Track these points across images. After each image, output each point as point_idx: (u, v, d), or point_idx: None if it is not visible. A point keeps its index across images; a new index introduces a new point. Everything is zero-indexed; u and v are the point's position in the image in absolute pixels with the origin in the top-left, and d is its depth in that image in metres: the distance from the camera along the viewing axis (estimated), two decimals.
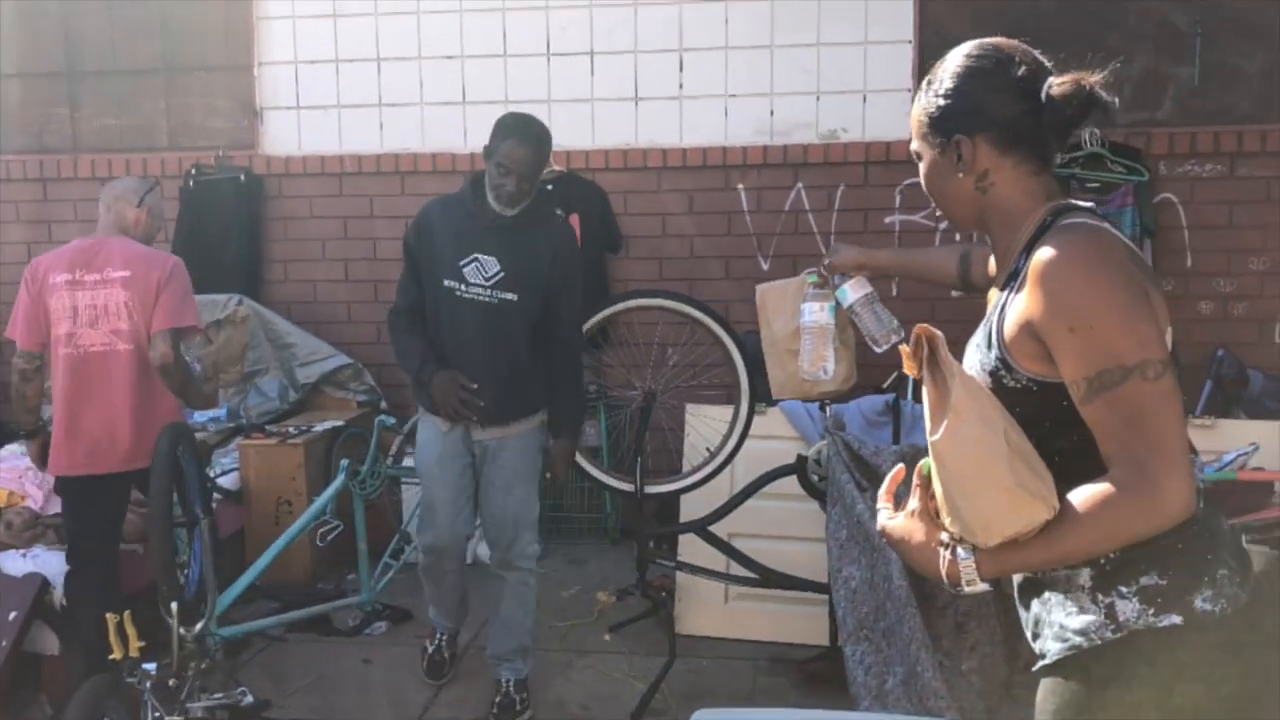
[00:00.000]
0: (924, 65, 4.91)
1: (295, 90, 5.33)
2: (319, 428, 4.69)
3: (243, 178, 5.29)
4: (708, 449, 3.70)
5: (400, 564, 4.14)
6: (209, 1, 5.39)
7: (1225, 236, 4.84)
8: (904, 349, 1.45)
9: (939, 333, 1.41)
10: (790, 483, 3.52)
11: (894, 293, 4.88)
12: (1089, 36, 4.80)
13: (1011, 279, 1.49)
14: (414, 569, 4.66)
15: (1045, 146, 1.51)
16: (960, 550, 1.38)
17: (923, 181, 1.62)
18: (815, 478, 3.40)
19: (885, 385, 3.93)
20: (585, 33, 5.11)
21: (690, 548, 3.87)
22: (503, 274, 3.24)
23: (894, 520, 1.50)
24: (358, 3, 5.22)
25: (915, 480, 1.47)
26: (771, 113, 5.00)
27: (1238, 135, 4.77)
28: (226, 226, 5.31)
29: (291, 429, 4.67)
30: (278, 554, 3.67)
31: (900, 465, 1.58)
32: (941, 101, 1.52)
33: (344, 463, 3.80)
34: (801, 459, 3.42)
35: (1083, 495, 1.33)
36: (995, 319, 1.49)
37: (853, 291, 2.29)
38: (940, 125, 1.54)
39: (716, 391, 3.96)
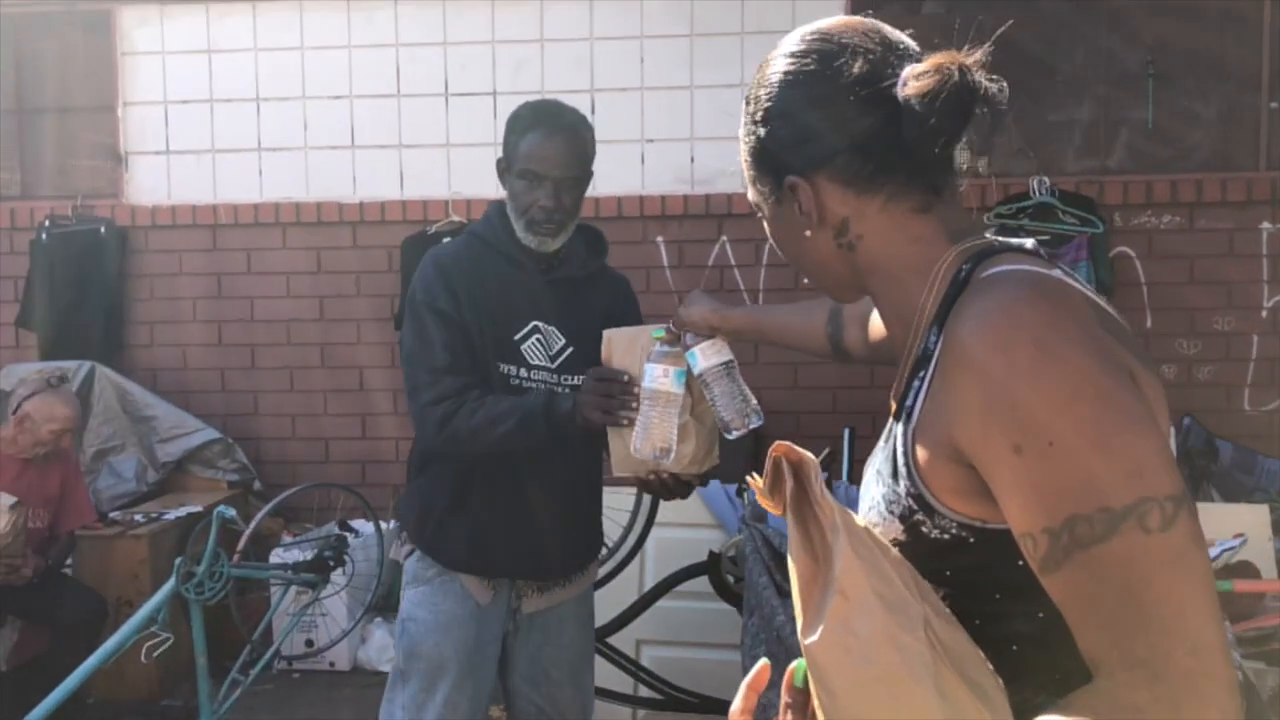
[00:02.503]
0: None
1: (164, 133, 4.77)
2: (170, 515, 4.06)
3: (103, 230, 4.70)
4: (605, 544, 3.14)
5: (251, 679, 3.50)
6: (67, 35, 4.84)
7: (1186, 294, 4.44)
8: (752, 480, 0.92)
9: (809, 455, 0.89)
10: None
11: (755, 356, 4.41)
12: (1030, 81, 4.41)
13: (919, 368, 0.96)
14: (277, 679, 4.04)
15: (927, 171, 1.00)
16: None
17: (774, 243, 1.13)
18: (730, 578, 2.86)
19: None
20: (487, 71, 4.63)
21: None
22: (571, 350, 2.18)
23: None
24: (235, 37, 4.69)
25: (784, 695, 0.91)
26: (692, 159, 4.55)
27: (1197, 184, 4.38)
28: (84, 284, 4.70)
29: (138, 516, 4.04)
30: (86, 676, 3.03)
31: (764, 662, 1.00)
32: (760, 130, 1.03)
33: (177, 562, 3.18)
34: (714, 556, 2.88)
35: None
36: (901, 433, 0.95)
37: (704, 357, 1.71)
38: (765, 163, 1.05)
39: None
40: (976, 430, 0.85)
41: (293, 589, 3.76)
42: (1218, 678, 0.75)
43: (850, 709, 0.81)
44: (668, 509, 3.17)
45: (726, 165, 4.82)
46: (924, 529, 0.92)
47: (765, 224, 1.12)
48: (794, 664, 0.90)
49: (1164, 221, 4.42)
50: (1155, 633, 0.76)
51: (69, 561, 3.94)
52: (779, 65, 1.03)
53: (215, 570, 3.28)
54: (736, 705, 0.99)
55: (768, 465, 0.90)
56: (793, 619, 2.78)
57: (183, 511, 4.11)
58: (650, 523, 3.01)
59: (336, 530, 4.03)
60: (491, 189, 4.60)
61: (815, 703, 0.84)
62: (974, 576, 0.90)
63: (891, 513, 0.95)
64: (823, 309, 1.53)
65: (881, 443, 1.01)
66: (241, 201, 4.71)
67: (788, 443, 0.90)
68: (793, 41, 1.03)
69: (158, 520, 4.00)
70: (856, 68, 0.97)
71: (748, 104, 1.07)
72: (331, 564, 3.60)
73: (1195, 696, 0.75)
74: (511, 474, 2.16)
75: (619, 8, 4.57)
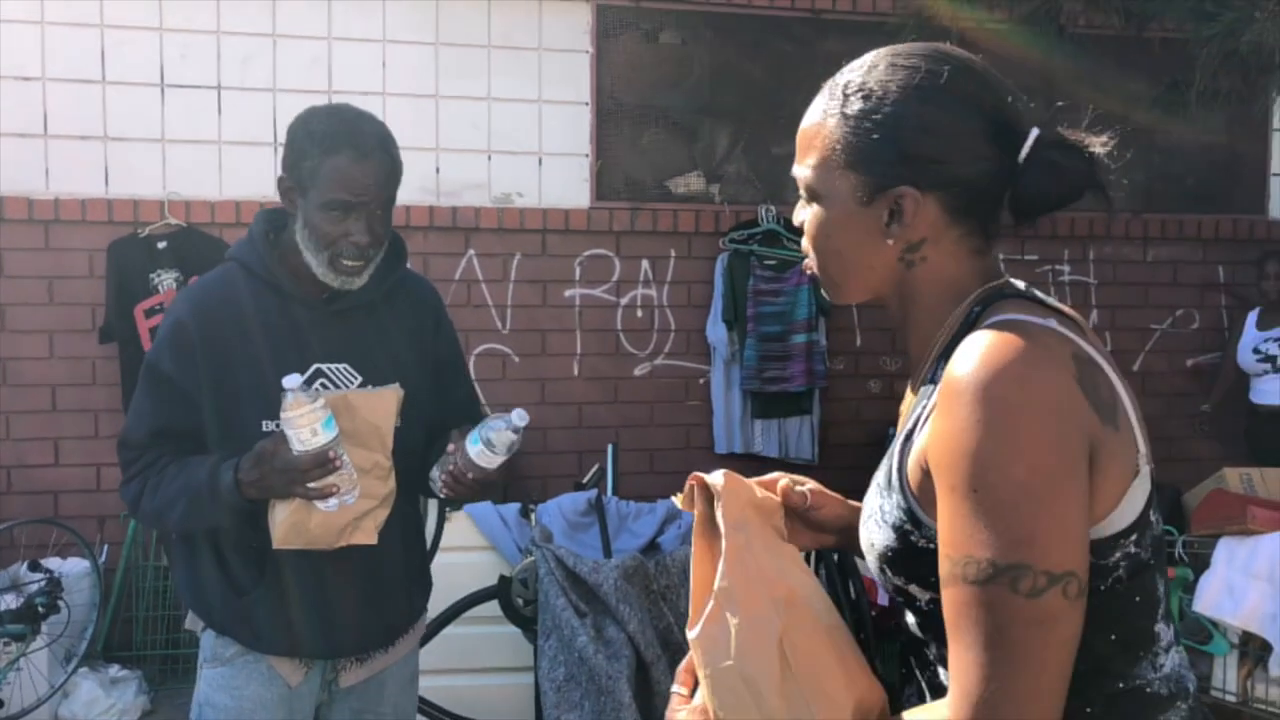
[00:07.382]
0: (602, 130, 4.59)
1: None
2: None
3: None
4: None
5: None
6: None
7: (889, 314, 4.91)
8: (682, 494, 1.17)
9: (718, 480, 1.10)
10: (489, 604, 2.91)
11: (502, 372, 4.51)
12: (758, 113, 4.71)
13: (925, 395, 1.04)
14: None
15: (996, 220, 1.06)
16: None
17: (815, 231, 1.08)
18: (520, 601, 2.81)
19: (586, 480, 3.44)
20: (210, 62, 4.27)
21: None
22: (370, 388, 1.88)
23: (680, 714, 1.14)
24: None
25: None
26: (438, 170, 4.43)
27: None
28: None
29: None
30: None
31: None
32: (883, 133, 1.02)
33: None
34: (505, 580, 2.82)
35: None
36: (899, 450, 1.03)
37: (503, 443, 1.75)
38: (877, 168, 1.02)
39: None
40: (935, 456, 0.95)
41: None
42: None
43: (715, 693, 1.03)
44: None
45: (473, 177, 4.78)
46: (912, 538, 1.00)
47: (814, 211, 1.09)
48: None
49: None
50: (985, 680, 0.89)
51: None
52: (919, 79, 1.02)
53: None
54: (683, 665, 1.18)
55: (686, 489, 1.14)
56: (592, 637, 2.77)
57: None
58: (435, 547, 2.89)
59: (26, 571, 3.55)
60: (213, 189, 4.27)
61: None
62: None
63: (886, 522, 1.03)
64: None
65: (883, 462, 1.07)
66: None
67: (700, 473, 1.13)
68: (934, 58, 1.04)
69: None
70: (1005, 110, 1.02)
71: (849, 96, 1.04)
72: (43, 611, 3.15)
73: None
74: (289, 567, 1.83)
75: (360, 8, 4.38)
